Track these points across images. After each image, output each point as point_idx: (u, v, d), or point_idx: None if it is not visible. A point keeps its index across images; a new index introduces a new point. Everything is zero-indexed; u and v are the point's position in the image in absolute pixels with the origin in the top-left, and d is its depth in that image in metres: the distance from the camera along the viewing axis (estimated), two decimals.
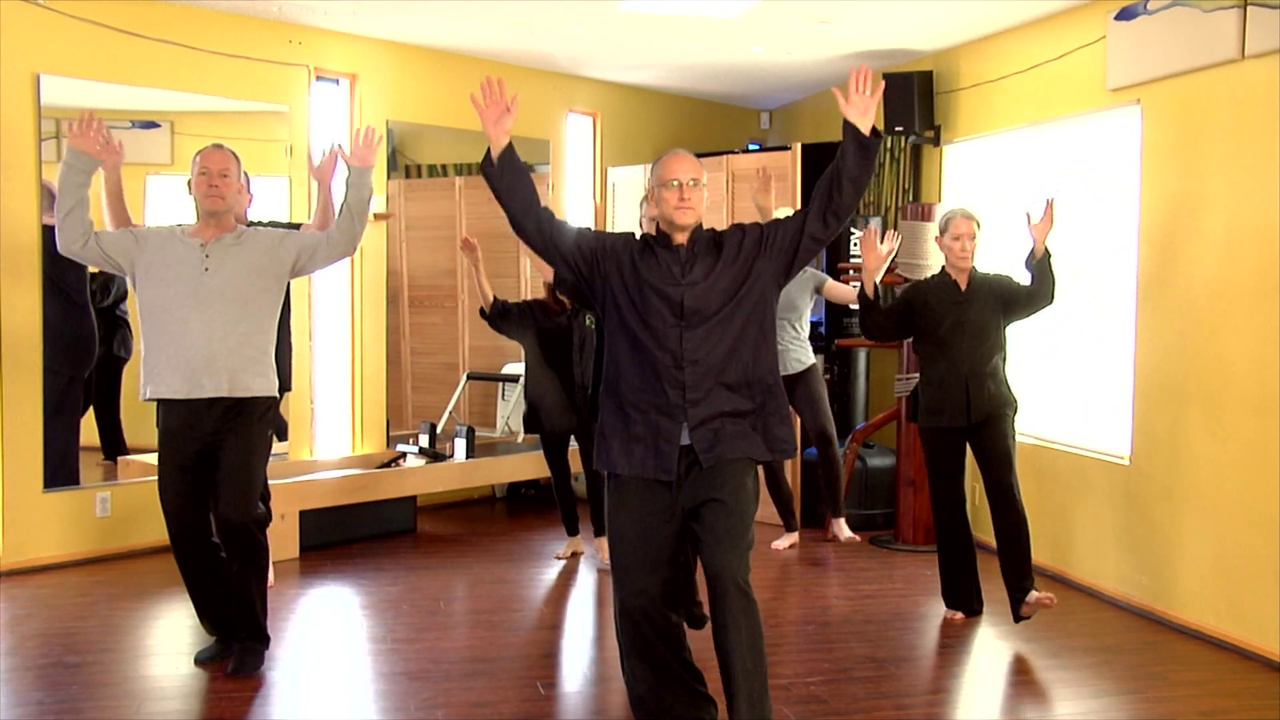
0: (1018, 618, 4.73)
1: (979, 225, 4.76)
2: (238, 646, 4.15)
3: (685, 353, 3.21)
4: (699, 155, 7.52)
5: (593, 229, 3.52)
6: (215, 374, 3.96)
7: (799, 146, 6.72)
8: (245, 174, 4.34)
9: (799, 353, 5.96)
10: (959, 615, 4.98)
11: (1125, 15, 5.12)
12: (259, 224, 4.60)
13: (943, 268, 4.84)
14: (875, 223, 6.74)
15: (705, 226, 3.34)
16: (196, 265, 3.97)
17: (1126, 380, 5.22)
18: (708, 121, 8.49)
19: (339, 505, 6.10)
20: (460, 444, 6.77)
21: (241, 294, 4.00)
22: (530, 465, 7.00)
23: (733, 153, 7.42)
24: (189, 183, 4.07)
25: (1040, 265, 4.59)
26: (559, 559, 5.97)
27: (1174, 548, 4.92)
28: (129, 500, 5.87)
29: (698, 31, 6.34)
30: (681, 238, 3.29)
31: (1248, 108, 4.55)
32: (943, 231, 4.78)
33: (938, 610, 5.07)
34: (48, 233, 5.63)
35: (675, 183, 3.25)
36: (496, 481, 7.31)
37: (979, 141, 6.47)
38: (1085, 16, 5.45)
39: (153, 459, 6.01)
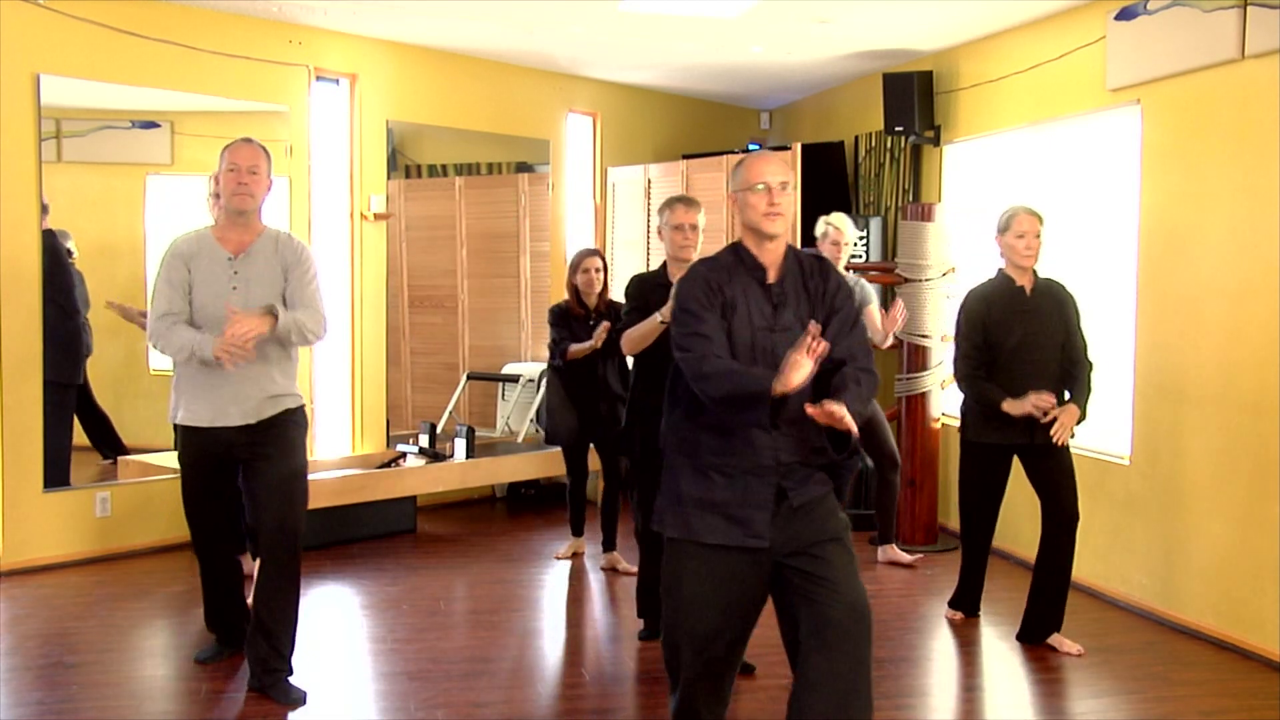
0: (1029, 640, 4.60)
1: (1043, 222, 4.45)
2: (267, 679, 3.91)
3: (781, 411, 2.78)
4: (699, 155, 7.66)
5: (700, 291, 2.91)
6: (242, 401, 3.85)
7: (799, 146, 6.72)
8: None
9: None
10: (959, 615, 4.96)
11: (1125, 15, 5.12)
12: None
13: (1000, 271, 4.51)
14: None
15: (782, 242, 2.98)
16: (225, 283, 3.83)
17: (1126, 380, 5.22)
18: (708, 121, 8.49)
19: (339, 505, 6.10)
20: (460, 444, 6.77)
21: (266, 311, 3.79)
22: (530, 465, 7.00)
23: (733, 153, 7.43)
24: (213, 179, 3.96)
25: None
26: (559, 559, 5.96)
27: (1174, 548, 4.92)
28: (129, 500, 5.87)
29: (698, 31, 6.34)
30: (771, 254, 2.92)
31: (1248, 108, 4.55)
32: (1003, 230, 4.44)
33: (938, 610, 5.07)
34: (47, 236, 5.65)
35: (762, 186, 2.90)
36: (496, 481, 7.31)
37: (979, 141, 6.47)
38: (1085, 16, 5.45)
39: (153, 459, 6.06)
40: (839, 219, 5.62)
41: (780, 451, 2.83)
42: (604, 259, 5.75)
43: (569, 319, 5.65)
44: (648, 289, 4.39)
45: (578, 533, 6.00)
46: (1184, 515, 4.86)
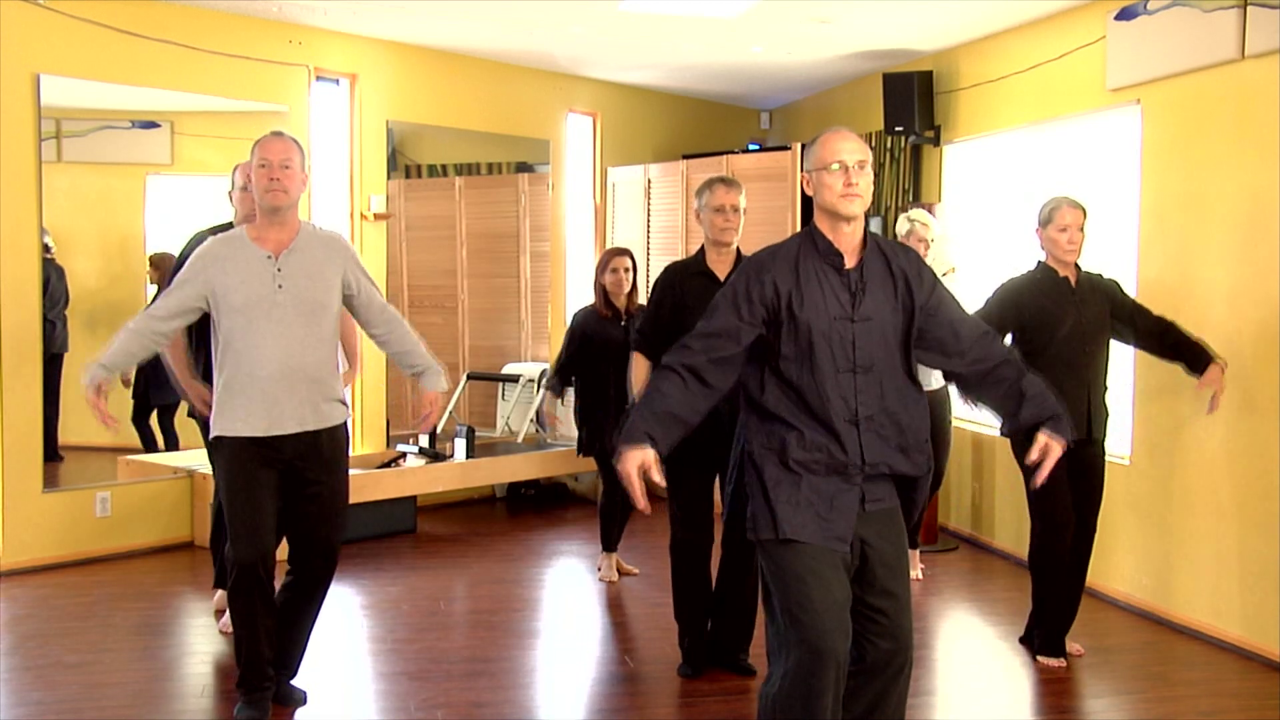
0: (1031, 644, 4.51)
1: (1087, 215, 4.27)
2: (276, 687, 3.78)
3: (860, 406, 2.74)
4: (699, 155, 7.66)
5: (744, 289, 2.81)
6: (298, 405, 3.61)
7: (799, 146, 6.72)
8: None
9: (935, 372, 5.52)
10: (1060, 663, 4.36)
11: (1125, 15, 5.12)
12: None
13: (1041, 264, 4.31)
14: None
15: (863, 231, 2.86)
16: (269, 282, 3.57)
17: (1126, 380, 5.21)
18: (708, 121, 8.49)
19: None
20: (460, 444, 6.77)
21: (314, 310, 3.63)
22: (530, 465, 7.00)
23: (733, 153, 7.43)
24: (239, 171, 3.82)
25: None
26: (606, 582, 5.51)
27: (1174, 548, 4.92)
28: (129, 500, 5.87)
29: (698, 31, 6.34)
30: (848, 239, 2.80)
31: (1248, 108, 4.55)
32: (1045, 223, 4.24)
33: (937, 610, 5.07)
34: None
35: (838, 165, 2.75)
36: (496, 481, 7.31)
37: (979, 141, 6.47)
38: (1085, 16, 5.45)
39: (154, 459, 6.07)
40: (922, 215, 5.49)
41: (865, 450, 2.76)
42: (634, 258, 5.47)
43: (591, 319, 5.37)
44: (681, 279, 4.12)
45: (613, 547, 5.55)
46: (1184, 515, 4.86)
